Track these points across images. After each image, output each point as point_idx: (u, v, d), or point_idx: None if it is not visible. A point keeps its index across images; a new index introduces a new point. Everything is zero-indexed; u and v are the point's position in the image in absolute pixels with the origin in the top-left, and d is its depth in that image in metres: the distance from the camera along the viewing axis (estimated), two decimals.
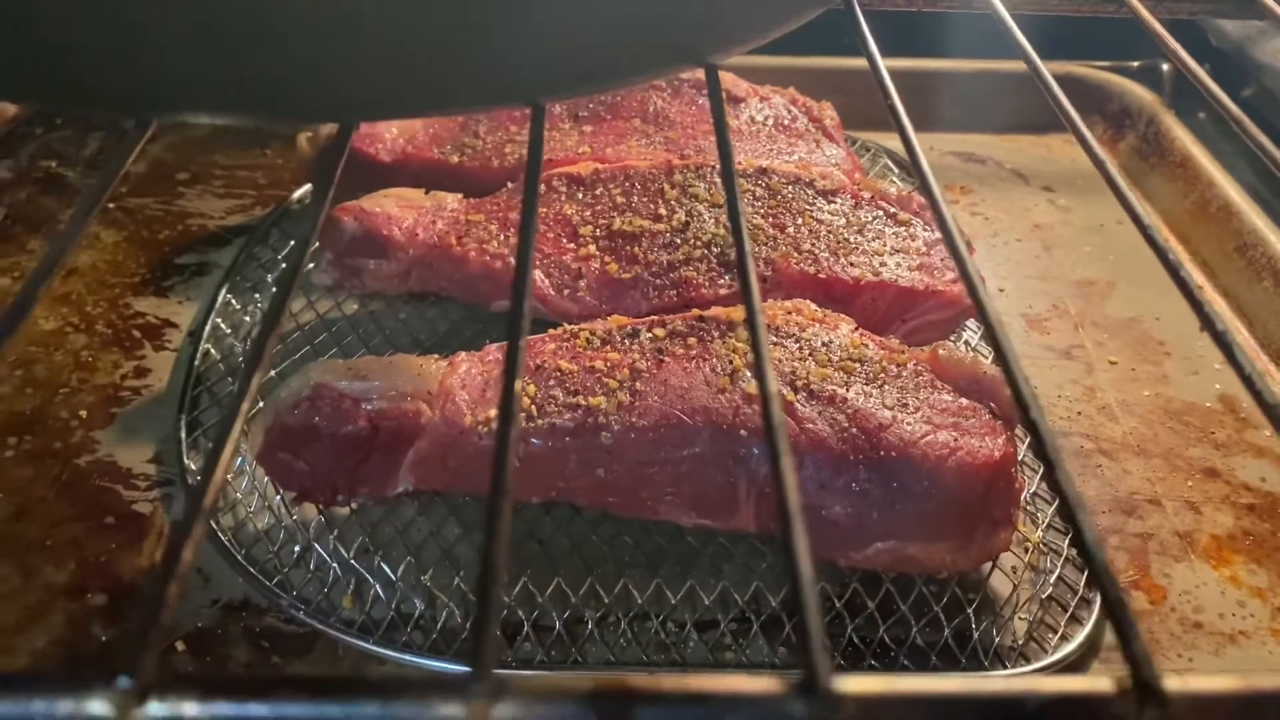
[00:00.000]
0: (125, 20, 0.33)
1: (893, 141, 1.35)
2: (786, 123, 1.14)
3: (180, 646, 0.77)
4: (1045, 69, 0.68)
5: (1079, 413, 1.00)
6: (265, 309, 1.05)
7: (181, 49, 0.34)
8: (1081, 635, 0.78)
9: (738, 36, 0.46)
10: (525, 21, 0.37)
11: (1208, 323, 0.51)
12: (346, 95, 0.39)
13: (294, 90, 0.38)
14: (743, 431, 0.77)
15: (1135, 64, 1.51)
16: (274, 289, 1.06)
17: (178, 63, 0.35)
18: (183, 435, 0.91)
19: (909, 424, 0.77)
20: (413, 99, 0.41)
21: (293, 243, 1.13)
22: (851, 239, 0.96)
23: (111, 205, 1.22)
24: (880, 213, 0.99)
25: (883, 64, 0.63)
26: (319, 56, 0.36)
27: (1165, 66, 1.50)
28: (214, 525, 0.83)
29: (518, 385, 0.84)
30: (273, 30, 0.34)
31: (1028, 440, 0.92)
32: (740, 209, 0.47)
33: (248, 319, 1.05)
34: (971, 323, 1.02)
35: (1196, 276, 1.18)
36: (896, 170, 1.30)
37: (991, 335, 0.44)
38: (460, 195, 1.03)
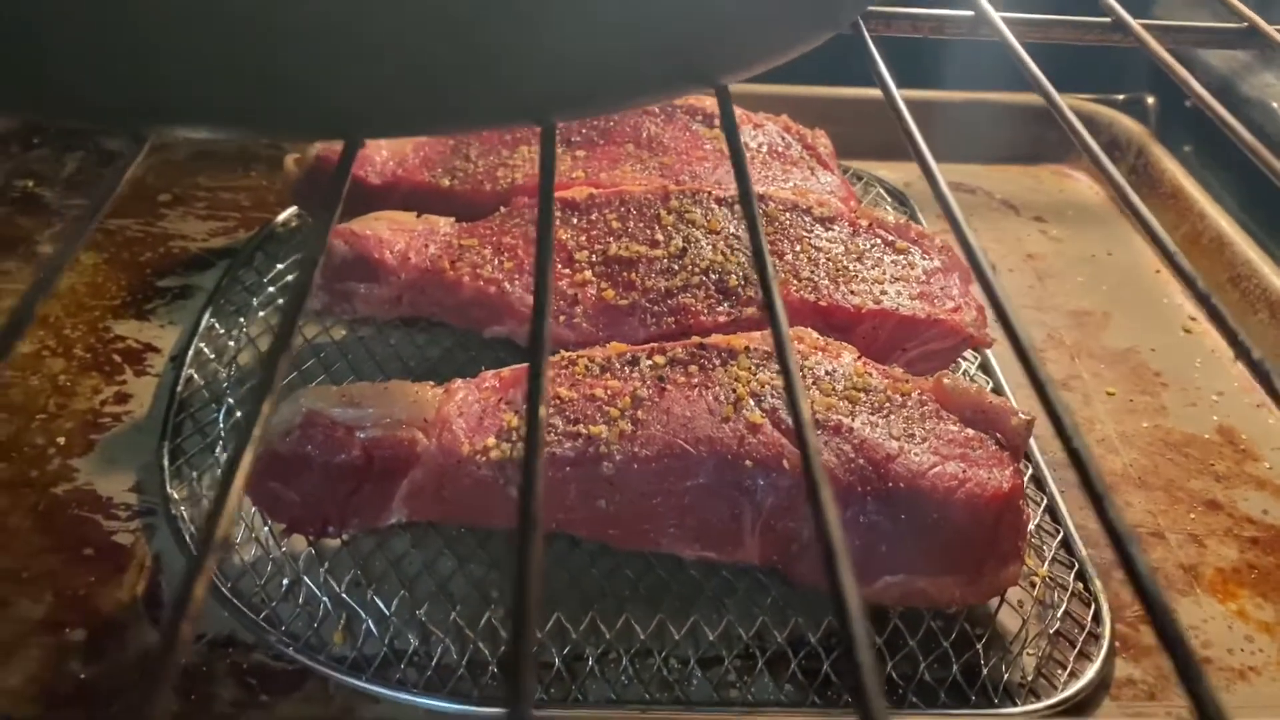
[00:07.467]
0: (121, 28, 0.31)
1: (884, 170, 1.35)
2: (780, 150, 1.13)
3: None
4: (1061, 100, 0.68)
5: None
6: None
7: (182, 59, 0.33)
8: (1091, 672, 0.77)
9: (751, 59, 0.45)
10: (539, 40, 0.35)
11: (1243, 352, 0.50)
12: (354, 111, 0.37)
13: (298, 105, 0.36)
14: (747, 462, 0.75)
15: (1120, 96, 1.52)
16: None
17: (178, 74, 0.33)
18: (165, 463, 0.88)
19: (916, 455, 0.75)
20: (421, 116, 0.39)
21: (279, 266, 1.11)
22: (851, 266, 0.94)
23: None
24: (878, 240, 0.98)
25: (896, 91, 0.62)
26: (326, 70, 0.34)
27: (1150, 99, 1.51)
28: None
29: (514, 419, 0.81)
30: (278, 42, 0.32)
31: (1029, 472, 0.91)
32: (762, 233, 0.46)
33: (232, 344, 1.02)
34: (969, 353, 1.01)
35: (1190, 308, 1.17)
36: (889, 199, 1.29)
37: (1026, 362, 0.42)
38: (453, 219, 1.01)
